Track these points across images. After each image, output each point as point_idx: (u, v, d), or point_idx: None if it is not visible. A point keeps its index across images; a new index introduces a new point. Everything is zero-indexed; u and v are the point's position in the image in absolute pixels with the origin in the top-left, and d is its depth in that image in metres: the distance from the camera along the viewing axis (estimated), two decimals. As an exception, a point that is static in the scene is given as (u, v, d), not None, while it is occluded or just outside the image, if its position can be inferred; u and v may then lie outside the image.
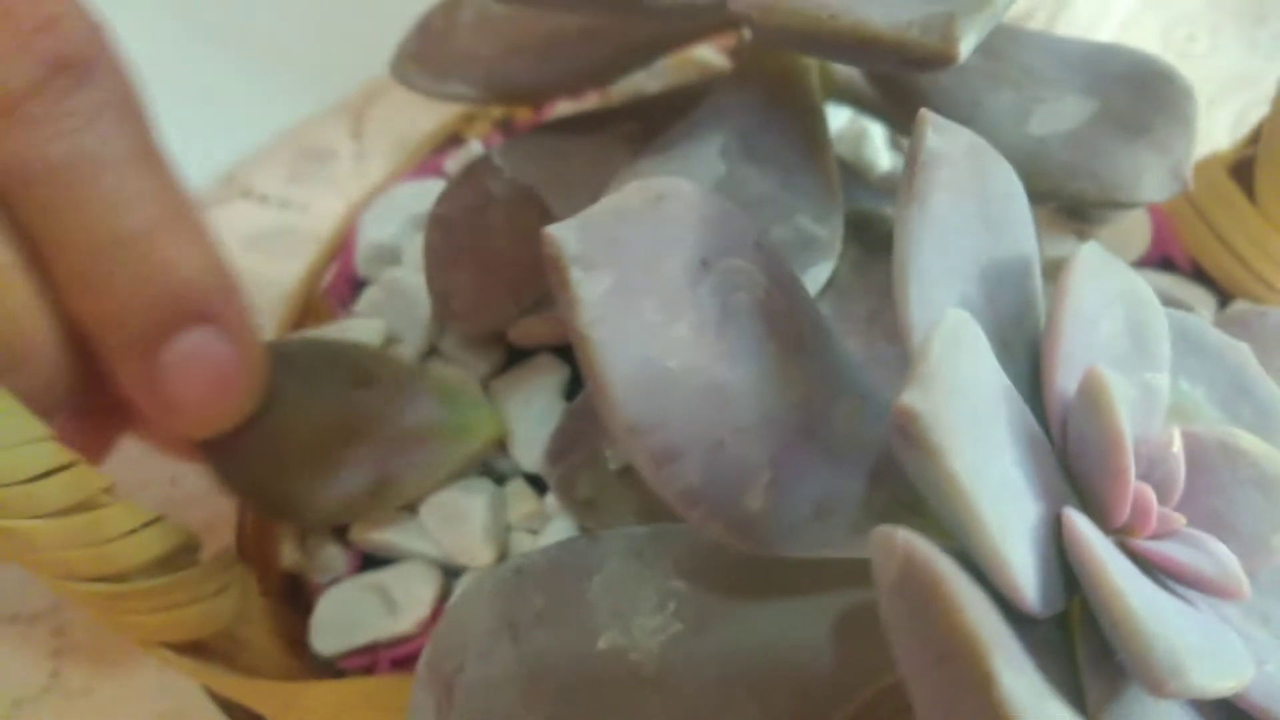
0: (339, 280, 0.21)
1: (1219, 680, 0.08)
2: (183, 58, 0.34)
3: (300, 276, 0.22)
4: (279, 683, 0.15)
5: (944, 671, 0.07)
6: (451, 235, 0.17)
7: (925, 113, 0.11)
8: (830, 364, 0.11)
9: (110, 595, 0.12)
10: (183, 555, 0.13)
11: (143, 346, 0.14)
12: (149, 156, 0.16)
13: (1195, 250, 0.20)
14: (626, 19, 0.15)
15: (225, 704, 0.16)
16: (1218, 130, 0.34)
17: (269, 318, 0.22)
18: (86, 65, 0.15)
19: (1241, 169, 0.19)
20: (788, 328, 0.11)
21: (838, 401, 0.11)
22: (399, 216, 0.21)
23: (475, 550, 0.17)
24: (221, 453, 0.16)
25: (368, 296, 0.20)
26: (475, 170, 0.17)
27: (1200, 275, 0.20)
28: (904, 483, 0.10)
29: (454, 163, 0.22)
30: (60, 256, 0.14)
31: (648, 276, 0.10)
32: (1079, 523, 0.09)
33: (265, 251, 0.30)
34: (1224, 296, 0.20)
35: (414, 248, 0.20)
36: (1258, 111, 0.34)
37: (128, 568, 0.12)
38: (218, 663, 0.14)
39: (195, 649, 0.14)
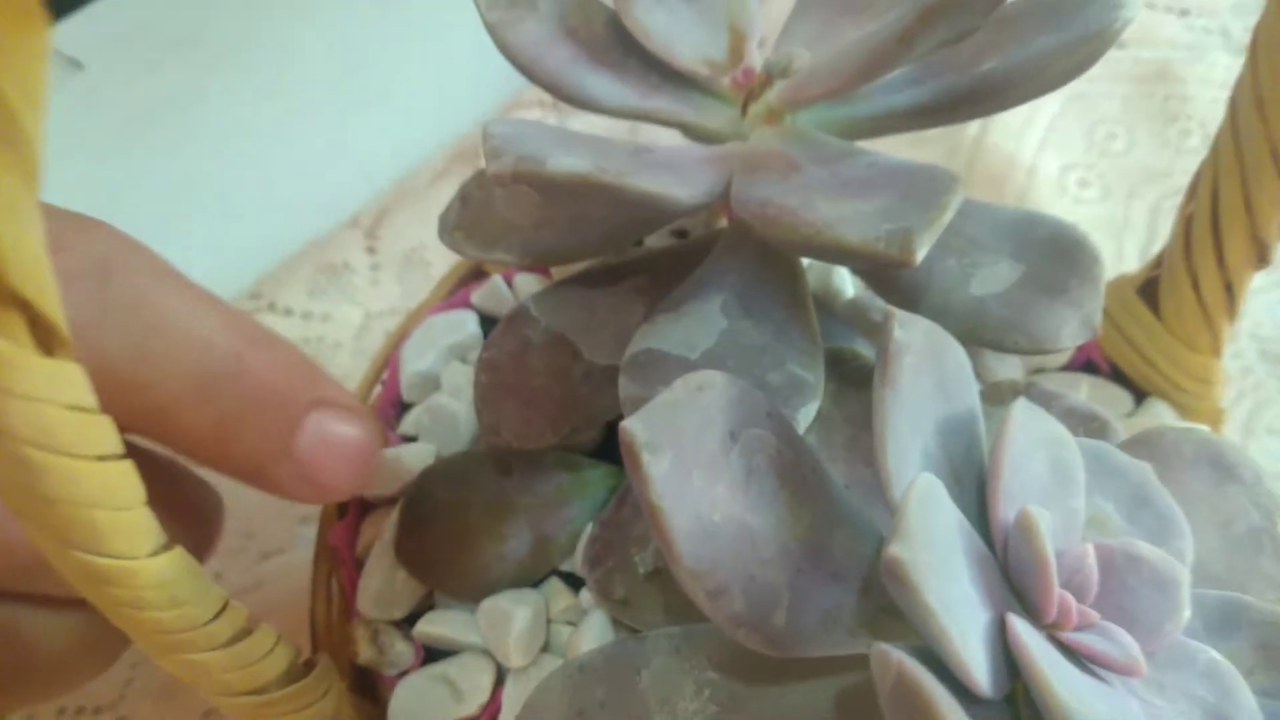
0: (384, 403, 0.24)
1: (1119, 735, 0.12)
2: (208, 182, 0.37)
3: (358, 389, 0.25)
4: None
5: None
6: (497, 375, 0.20)
7: (891, 310, 0.14)
8: (828, 502, 0.14)
9: (257, 705, 0.15)
10: (299, 668, 0.16)
11: (279, 456, 0.17)
12: (202, 299, 0.18)
13: (1113, 356, 0.23)
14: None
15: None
16: (1136, 217, 0.38)
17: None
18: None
19: (1148, 288, 0.23)
20: (794, 477, 0.14)
21: (835, 531, 0.14)
22: (437, 346, 0.24)
23: (511, 652, 0.20)
24: (411, 549, 0.20)
25: (412, 418, 0.23)
26: (515, 319, 0.20)
27: (1119, 376, 0.23)
28: (887, 595, 0.13)
29: (479, 296, 0.25)
30: (182, 418, 0.17)
31: (695, 452, 0.13)
32: (1017, 624, 0.13)
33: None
34: (1139, 394, 0.23)
35: (450, 374, 0.23)
36: (1170, 202, 0.38)
37: (268, 682, 0.15)
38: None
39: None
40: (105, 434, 0.10)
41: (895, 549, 0.11)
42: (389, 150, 0.37)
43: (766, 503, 0.14)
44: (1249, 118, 0.19)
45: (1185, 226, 0.22)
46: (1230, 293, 0.21)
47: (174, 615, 0.12)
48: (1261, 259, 0.21)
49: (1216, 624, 0.15)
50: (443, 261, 0.35)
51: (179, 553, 0.12)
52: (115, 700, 0.28)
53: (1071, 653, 0.13)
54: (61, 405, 0.09)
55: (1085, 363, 0.24)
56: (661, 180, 0.16)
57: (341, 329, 0.33)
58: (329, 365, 0.32)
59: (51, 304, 0.09)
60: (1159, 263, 0.23)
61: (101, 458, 0.10)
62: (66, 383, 0.09)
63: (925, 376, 0.14)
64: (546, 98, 0.39)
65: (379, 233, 0.36)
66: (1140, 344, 0.23)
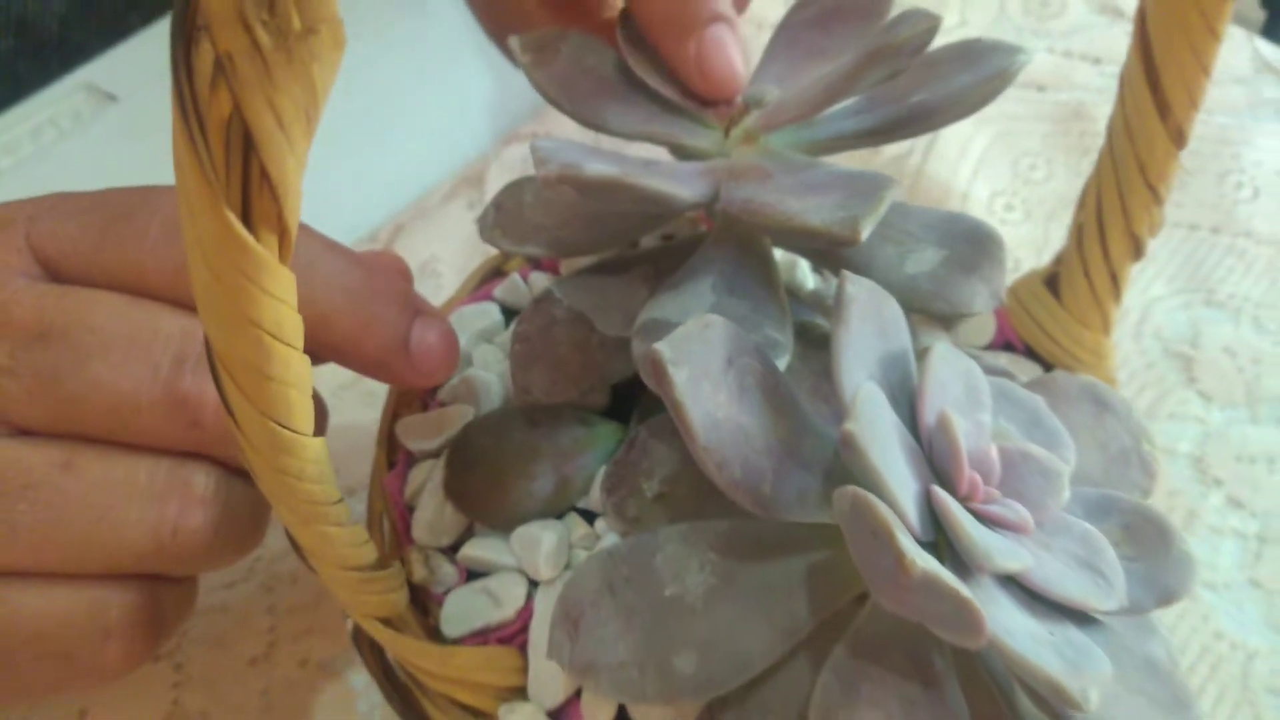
0: (423, 379, 0.28)
1: (1010, 562, 0.17)
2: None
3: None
4: (440, 645, 0.22)
5: (874, 543, 0.15)
6: (529, 345, 0.25)
7: (845, 273, 0.19)
8: (798, 416, 0.19)
9: (357, 581, 0.19)
10: (382, 561, 0.21)
11: (401, 352, 0.23)
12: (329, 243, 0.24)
13: (1025, 336, 0.28)
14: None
15: (391, 682, 0.23)
16: (1054, 238, 0.44)
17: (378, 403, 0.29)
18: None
19: (1051, 281, 0.28)
20: (774, 395, 0.19)
21: (804, 437, 0.19)
22: (467, 331, 0.28)
23: (540, 568, 0.24)
24: (456, 486, 0.24)
25: (448, 388, 0.28)
26: (542, 301, 0.25)
27: (1030, 353, 0.29)
28: (843, 479, 0.18)
29: (500, 290, 0.29)
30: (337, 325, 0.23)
31: (703, 369, 0.18)
32: (939, 492, 0.18)
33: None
34: (1047, 366, 0.28)
35: (480, 353, 0.28)
36: (1084, 225, 0.43)
37: (364, 564, 0.20)
38: (404, 633, 0.21)
39: (388, 625, 0.21)
40: (300, 331, 0.15)
41: (849, 426, 0.16)
42: (402, 177, 0.42)
43: (755, 410, 0.18)
44: (1121, 141, 0.25)
45: (1078, 229, 0.27)
46: (1115, 281, 0.27)
47: (319, 489, 0.17)
48: (1138, 252, 0.26)
49: (1094, 511, 0.20)
50: (451, 272, 0.40)
51: (324, 440, 0.17)
52: (173, 649, 0.32)
53: (979, 516, 0.18)
54: (289, 305, 0.14)
55: (1004, 343, 0.29)
56: (670, 183, 0.21)
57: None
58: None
59: (295, 229, 0.13)
60: (1059, 260, 0.28)
61: (297, 349, 0.15)
62: (291, 289, 0.14)
63: (869, 321, 0.19)
64: (540, 130, 0.44)
65: (395, 248, 0.40)
66: (1046, 325, 0.28)
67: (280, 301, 0.14)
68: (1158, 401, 0.39)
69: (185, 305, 0.22)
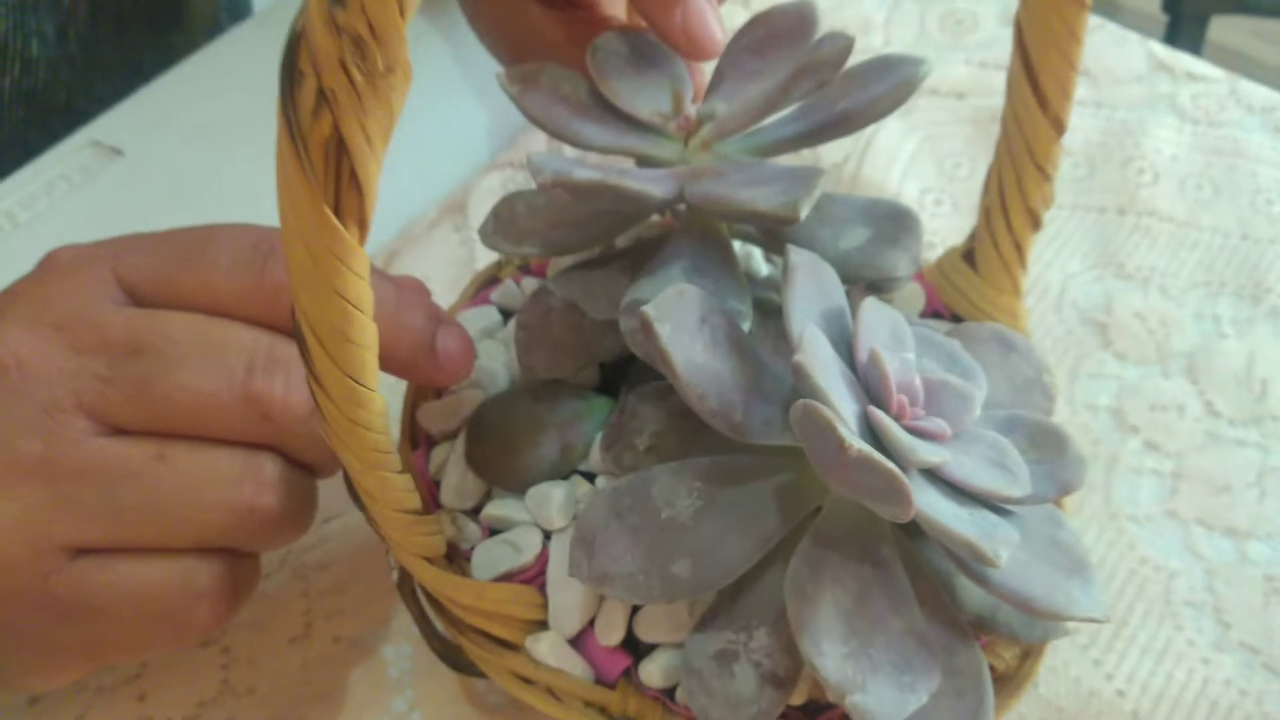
0: (436, 372, 0.33)
1: (931, 457, 0.21)
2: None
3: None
4: (475, 581, 0.26)
5: (822, 437, 0.20)
6: (531, 331, 0.29)
7: (789, 246, 0.24)
8: (759, 362, 0.24)
9: (409, 523, 0.24)
10: (424, 511, 0.25)
11: (429, 354, 0.27)
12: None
13: (950, 304, 0.33)
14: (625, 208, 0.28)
15: (427, 625, 0.28)
16: (982, 228, 0.49)
17: (399, 393, 0.33)
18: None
19: (968, 255, 0.33)
20: (738, 347, 0.23)
21: (764, 378, 0.24)
22: (472, 329, 0.33)
23: (553, 519, 0.28)
24: (476, 456, 0.28)
25: (459, 379, 0.32)
26: (539, 294, 0.29)
27: (956, 318, 0.33)
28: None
29: (496, 295, 0.34)
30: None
31: (681, 324, 0.22)
32: (874, 410, 0.22)
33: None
34: (970, 329, 0.33)
35: (485, 348, 0.32)
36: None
37: (413, 509, 0.24)
38: (444, 570, 0.26)
39: (431, 563, 0.26)
40: (371, 303, 0.19)
41: (798, 357, 0.21)
42: (392, 208, 0.46)
43: (724, 356, 0.23)
44: (1013, 132, 0.30)
45: (985, 210, 0.32)
46: (1019, 250, 0.32)
47: (382, 439, 0.21)
48: (1035, 224, 0.31)
49: (1003, 427, 0.25)
50: (443, 289, 0.44)
51: (384, 399, 0.21)
52: (220, 635, 0.36)
53: (908, 429, 0.23)
54: (366, 281, 0.18)
55: (934, 312, 0.34)
56: (646, 183, 0.25)
57: (370, 344, 0.42)
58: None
59: (371, 221, 0.17)
60: (973, 237, 0.33)
61: (370, 317, 0.19)
62: (367, 268, 0.18)
63: (811, 282, 0.24)
64: (515, 159, 0.48)
65: (391, 270, 0.44)
66: (967, 293, 0.33)
67: (360, 278, 0.18)
68: (1078, 363, 0.44)
69: (251, 320, 0.27)
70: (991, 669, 0.27)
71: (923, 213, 0.48)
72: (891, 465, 0.19)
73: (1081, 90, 0.53)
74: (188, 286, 0.27)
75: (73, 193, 0.48)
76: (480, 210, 0.47)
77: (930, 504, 0.21)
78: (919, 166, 0.50)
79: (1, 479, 0.25)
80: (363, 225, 0.17)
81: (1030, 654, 0.27)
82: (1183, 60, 0.55)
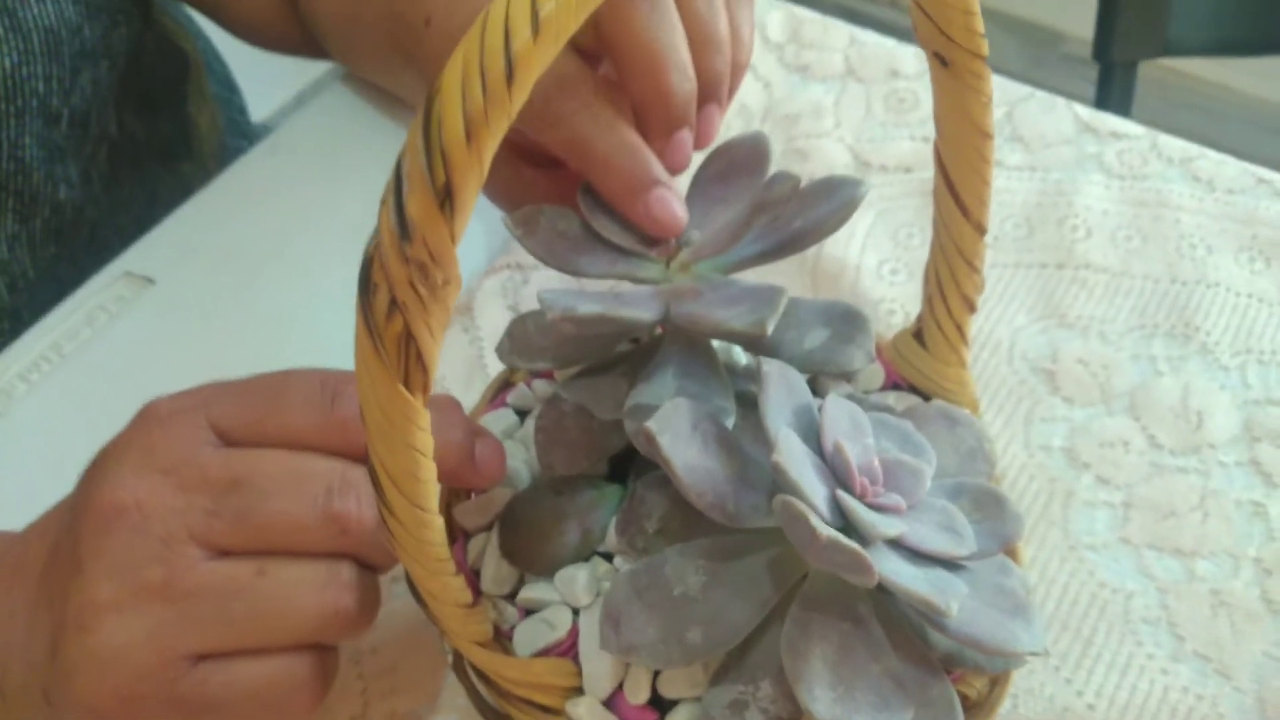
0: (465, 473, 0.37)
1: (889, 530, 0.26)
2: (261, 357, 0.50)
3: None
4: (519, 658, 0.31)
5: (798, 525, 0.25)
6: (548, 434, 0.34)
7: (761, 359, 0.29)
8: (745, 456, 0.29)
9: (465, 613, 0.28)
10: (473, 603, 0.30)
11: (469, 464, 0.32)
12: None
13: (906, 377, 0.38)
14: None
15: (480, 699, 0.32)
16: (937, 291, 0.54)
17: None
18: None
19: (918, 334, 0.38)
20: (727, 445, 0.28)
21: (750, 469, 0.28)
22: (494, 432, 0.37)
23: (580, 597, 0.33)
24: (509, 547, 0.33)
25: (486, 478, 0.37)
26: (552, 400, 0.34)
27: (913, 389, 0.38)
28: (778, 493, 0.27)
29: (512, 397, 0.39)
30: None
31: (679, 434, 0.27)
32: (841, 494, 0.27)
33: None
34: (926, 397, 0.38)
35: (507, 448, 0.37)
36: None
37: (466, 601, 0.28)
38: (491, 651, 0.30)
39: (482, 646, 0.30)
40: (431, 447, 0.24)
41: (775, 457, 0.26)
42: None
43: (715, 456, 0.28)
44: (943, 235, 0.35)
45: (928, 299, 0.37)
46: (960, 330, 0.37)
47: (442, 550, 0.26)
48: (971, 308, 0.36)
49: (951, 493, 0.30)
50: (459, 388, 0.49)
51: (439, 518, 0.26)
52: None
53: (871, 506, 0.28)
54: (428, 433, 0.23)
55: (893, 384, 0.39)
56: (634, 310, 0.30)
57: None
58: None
59: (431, 385, 0.22)
60: (920, 319, 0.38)
61: (430, 459, 0.24)
62: (428, 422, 0.23)
63: (781, 386, 0.29)
64: (513, 262, 0.53)
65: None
66: (920, 368, 0.38)
67: (424, 430, 0.23)
68: (1031, 409, 0.49)
69: (325, 450, 0.32)
70: (965, 698, 0.31)
71: (880, 281, 0.53)
72: (854, 545, 0.24)
73: (1017, 156, 0.59)
74: (271, 427, 0.32)
75: (111, 323, 0.53)
76: (485, 312, 0.52)
77: (892, 569, 0.25)
78: (875, 239, 0.55)
79: (132, 601, 0.29)
80: (425, 391, 0.22)
81: (998, 681, 0.32)
82: (1107, 120, 0.61)
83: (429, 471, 0.23)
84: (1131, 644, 0.42)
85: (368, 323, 0.21)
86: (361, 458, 0.31)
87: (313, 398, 0.32)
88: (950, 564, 0.28)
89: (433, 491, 0.24)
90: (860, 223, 0.55)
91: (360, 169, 0.56)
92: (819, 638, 0.27)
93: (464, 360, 0.50)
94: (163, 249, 0.55)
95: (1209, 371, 0.50)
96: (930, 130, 0.62)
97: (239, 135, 0.74)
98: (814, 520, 0.24)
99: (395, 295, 0.20)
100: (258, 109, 0.84)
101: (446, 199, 0.20)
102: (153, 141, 0.62)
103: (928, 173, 0.58)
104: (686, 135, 0.34)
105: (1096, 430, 0.48)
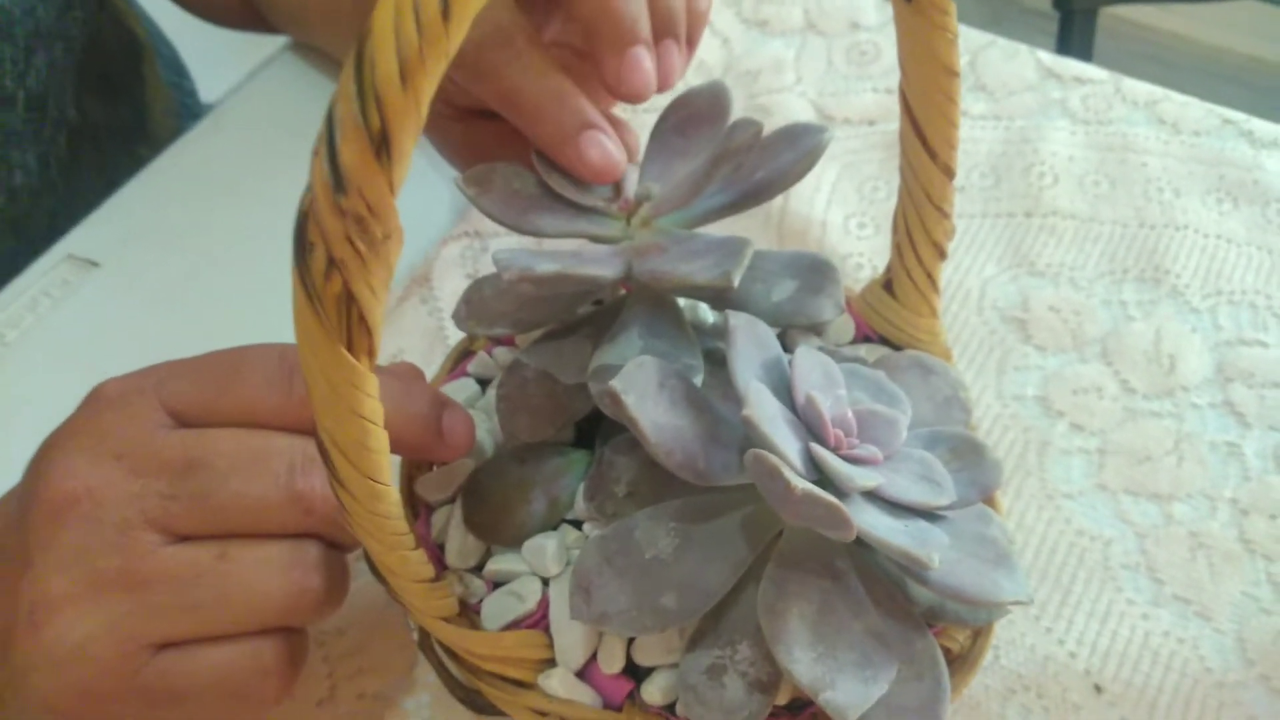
0: (427, 445, 0.36)
1: (866, 481, 0.25)
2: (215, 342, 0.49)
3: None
4: (488, 632, 0.30)
5: (772, 480, 0.24)
6: (511, 401, 0.33)
7: (729, 311, 0.28)
8: (713, 413, 0.28)
9: (426, 590, 0.27)
10: (436, 578, 0.28)
11: (436, 436, 0.31)
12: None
13: (877, 329, 0.37)
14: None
15: (449, 675, 0.31)
16: (905, 244, 0.53)
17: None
18: None
19: (888, 284, 0.37)
20: (695, 402, 0.27)
21: (719, 427, 0.27)
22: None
23: (549, 567, 0.32)
24: (473, 519, 0.32)
25: (449, 450, 0.35)
26: (514, 366, 0.33)
27: (884, 341, 0.37)
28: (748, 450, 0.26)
29: (473, 366, 0.37)
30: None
31: (643, 392, 0.26)
32: (815, 446, 0.26)
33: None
34: (897, 349, 0.37)
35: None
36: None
37: (427, 577, 0.27)
38: (459, 626, 0.29)
39: (448, 622, 0.29)
40: (381, 415, 0.22)
41: (746, 411, 0.25)
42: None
43: (683, 414, 0.27)
44: (910, 180, 0.34)
45: (897, 246, 0.36)
46: (931, 279, 0.36)
47: (399, 524, 0.25)
48: (942, 255, 0.35)
49: (928, 442, 0.29)
50: (420, 360, 0.47)
51: (398, 491, 0.25)
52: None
53: (847, 458, 0.27)
54: (375, 399, 0.22)
55: (864, 336, 0.38)
56: (596, 268, 0.29)
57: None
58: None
59: (378, 353, 0.21)
60: (889, 269, 0.37)
61: (381, 428, 0.22)
62: (375, 388, 0.22)
63: (750, 340, 0.27)
64: (471, 230, 0.52)
65: (368, 348, 0.48)
66: (891, 319, 0.37)
67: (372, 397, 0.21)
68: (1003, 359, 0.48)
69: (286, 428, 0.30)
70: (948, 651, 0.31)
71: (848, 236, 0.52)
72: (831, 498, 0.23)
73: (981, 105, 0.58)
74: (227, 405, 0.30)
75: (56, 307, 0.51)
76: (444, 282, 0.50)
77: (870, 522, 0.25)
78: (840, 194, 0.54)
79: (88, 594, 0.28)
80: (371, 356, 0.21)
81: (980, 634, 0.31)
82: (1070, 66, 0.60)
83: (379, 441, 0.22)
84: (1111, 590, 0.42)
85: (305, 285, 0.20)
86: None
87: (271, 374, 0.30)
88: (930, 515, 0.27)
89: (385, 463, 0.23)
90: (825, 177, 0.54)
91: (308, 143, 0.54)
92: (797, 596, 0.26)
93: (424, 332, 0.48)
94: (107, 230, 0.53)
95: (1180, 314, 0.50)
96: (893, 82, 0.61)
97: (191, 118, 0.72)
98: (787, 473, 0.23)
99: (332, 253, 0.19)
100: (208, 91, 0.81)
101: (383, 145, 0.18)
102: (113, 126, 0.60)
103: (892, 125, 0.57)
104: (642, 52, 0.33)
105: (1070, 377, 0.47)
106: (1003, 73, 0.59)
